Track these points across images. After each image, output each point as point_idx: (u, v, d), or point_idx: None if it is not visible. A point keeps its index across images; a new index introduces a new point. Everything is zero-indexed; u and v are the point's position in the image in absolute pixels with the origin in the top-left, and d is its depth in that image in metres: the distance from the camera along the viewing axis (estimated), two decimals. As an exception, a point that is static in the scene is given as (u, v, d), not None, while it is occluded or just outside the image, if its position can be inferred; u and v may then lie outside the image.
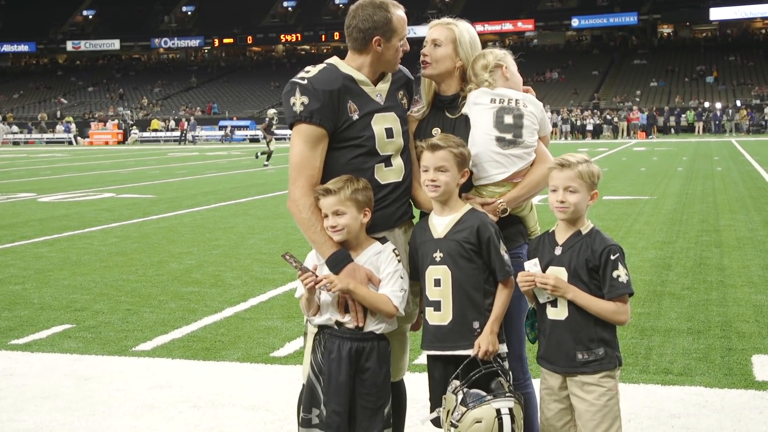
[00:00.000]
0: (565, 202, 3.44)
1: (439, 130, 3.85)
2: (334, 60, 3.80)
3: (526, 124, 3.74)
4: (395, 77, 3.87)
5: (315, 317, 3.65)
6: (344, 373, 3.54)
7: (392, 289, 3.54)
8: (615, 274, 3.38)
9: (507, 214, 3.70)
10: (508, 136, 3.71)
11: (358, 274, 3.54)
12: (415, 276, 3.73)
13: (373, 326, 3.57)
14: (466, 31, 3.89)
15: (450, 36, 3.86)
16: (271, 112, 33.45)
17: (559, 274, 3.44)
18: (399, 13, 3.76)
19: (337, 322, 3.59)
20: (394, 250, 3.61)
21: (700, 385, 5.29)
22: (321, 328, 3.65)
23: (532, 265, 3.51)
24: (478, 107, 3.76)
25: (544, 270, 3.49)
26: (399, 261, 3.60)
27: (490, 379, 3.52)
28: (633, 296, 3.49)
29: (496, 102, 3.75)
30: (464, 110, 3.81)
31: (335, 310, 3.58)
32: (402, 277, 3.59)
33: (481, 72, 3.80)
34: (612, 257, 3.38)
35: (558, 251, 3.48)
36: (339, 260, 3.56)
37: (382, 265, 3.58)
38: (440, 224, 3.65)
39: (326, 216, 3.57)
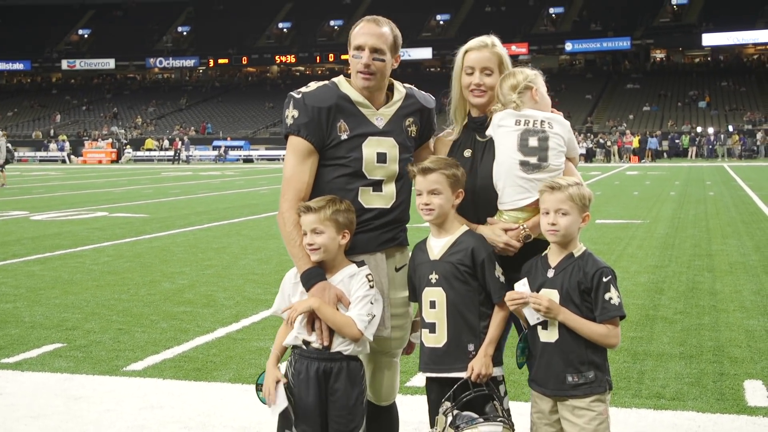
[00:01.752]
0: (556, 224, 3.43)
1: (471, 152, 3.83)
2: (338, 78, 3.81)
3: (552, 146, 3.66)
4: (405, 103, 3.83)
5: (287, 338, 3.65)
6: (312, 394, 3.53)
7: (358, 313, 3.52)
8: (607, 296, 3.38)
9: (531, 239, 3.63)
10: (533, 160, 3.63)
11: (327, 293, 3.53)
12: (414, 297, 3.73)
13: (341, 347, 3.54)
14: (503, 49, 3.86)
15: (497, 60, 3.81)
16: None
17: (551, 296, 3.44)
18: (360, 24, 3.75)
19: (305, 342, 3.58)
20: (368, 275, 3.58)
21: (692, 410, 5.28)
22: (292, 348, 3.64)
23: (521, 285, 3.51)
24: (503, 129, 3.69)
25: (536, 292, 3.48)
26: (372, 286, 3.57)
27: (485, 402, 3.51)
28: (625, 320, 3.49)
29: (521, 124, 3.67)
30: (488, 132, 3.75)
31: (303, 329, 3.58)
32: (372, 303, 3.55)
33: (509, 92, 3.71)
34: (604, 279, 3.38)
35: (550, 274, 3.48)
36: (312, 277, 3.57)
37: (353, 288, 3.56)
38: (437, 246, 3.65)
39: (305, 233, 3.58)
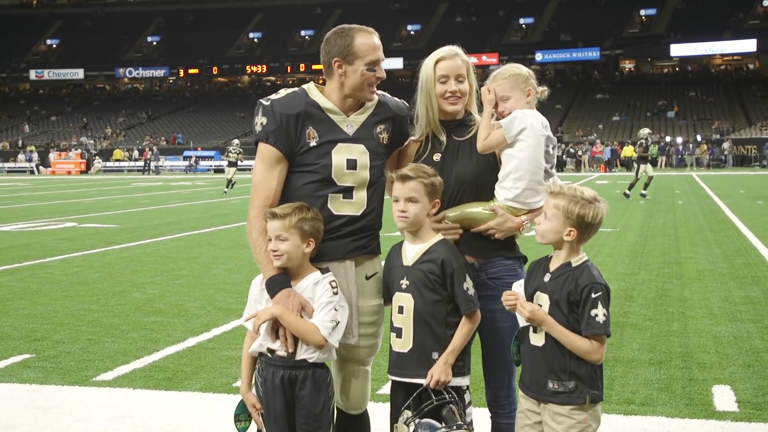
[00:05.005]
0: (538, 226, 3.54)
1: (440, 156, 3.85)
2: (308, 85, 3.82)
3: (554, 153, 3.81)
4: (377, 110, 3.83)
5: (253, 345, 3.65)
6: (279, 402, 3.53)
7: (322, 320, 3.51)
8: (593, 312, 3.35)
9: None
10: (548, 167, 3.75)
11: (291, 300, 3.53)
12: (387, 299, 3.75)
13: (306, 354, 3.54)
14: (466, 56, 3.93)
15: (467, 68, 3.87)
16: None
17: (542, 301, 3.45)
18: (364, 38, 3.72)
19: (270, 350, 3.58)
20: (331, 282, 3.58)
21: (661, 415, 5.33)
22: (259, 356, 3.64)
23: (517, 286, 3.55)
24: (533, 132, 3.72)
25: (531, 295, 3.50)
26: (336, 293, 3.56)
27: (441, 407, 3.53)
28: (610, 337, 3.47)
29: (546, 129, 3.76)
30: (514, 127, 3.72)
31: (267, 336, 3.57)
32: (336, 309, 3.54)
33: (526, 86, 3.83)
34: (593, 295, 3.37)
35: (546, 278, 3.49)
36: (276, 283, 3.57)
37: (316, 294, 3.56)
38: (411, 252, 3.67)
39: (270, 239, 3.58)
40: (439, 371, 3.54)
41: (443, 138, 3.89)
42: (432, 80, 3.86)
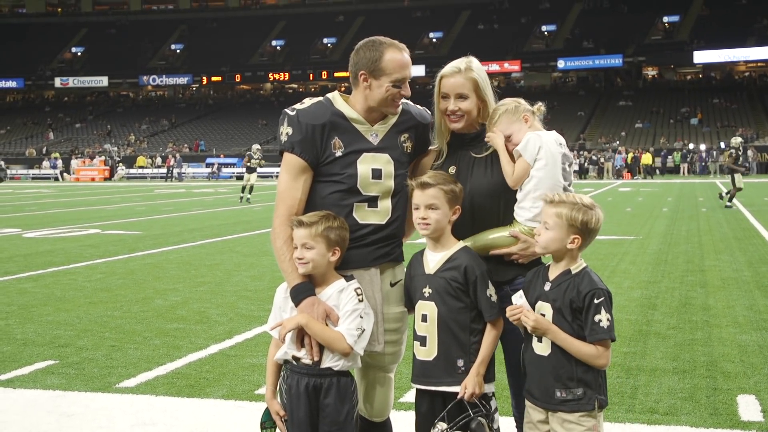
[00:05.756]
0: (540, 236, 3.51)
1: (456, 168, 3.84)
2: (332, 95, 3.82)
3: (570, 171, 3.80)
4: (400, 119, 3.83)
5: (278, 352, 3.66)
6: (303, 410, 3.53)
7: (348, 328, 3.51)
8: (597, 318, 3.36)
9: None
10: (566, 184, 3.73)
11: (316, 308, 3.53)
12: (410, 307, 3.75)
13: (331, 362, 3.54)
14: (481, 70, 3.85)
15: (472, 85, 3.80)
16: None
17: (545, 309, 3.45)
18: (394, 54, 3.70)
19: (295, 357, 3.58)
20: (356, 289, 3.58)
21: (685, 425, 5.28)
22: (284, 363, 3.65)
23: (517, 298, 3.53)
24: (545, 150, 3.71)
25: (533, 304, 3.49)
26: (361, 300, 3.56)
27: (471, 419, 3.52)
28: (619, 335, 3.47)
29: (562, 147, 3.75)
30: (531, 148, 3.70)
31: (292, 345, 3.58)
32: (362, 317, 3.55)
33: (519, 115, 3.81)
34: (596, 301, 3.37)
35: (547, 287, 3.48)
36: (301, 291, 3.58)
37: (342, 302, 3.56)
38: (433, 260, 3.67)
39: (296, 247, 3.58)
40: (473, 383, 3.53)
41: (459, 151, 3.88)
42: (437, 95, 3.86)
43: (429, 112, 4.02)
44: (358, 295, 3.58)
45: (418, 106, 3.98)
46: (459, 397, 3.53)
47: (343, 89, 3.87)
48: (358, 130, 3.74)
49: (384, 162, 3.74)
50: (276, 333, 3.63)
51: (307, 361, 3.55)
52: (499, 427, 3.64)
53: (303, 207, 3.72)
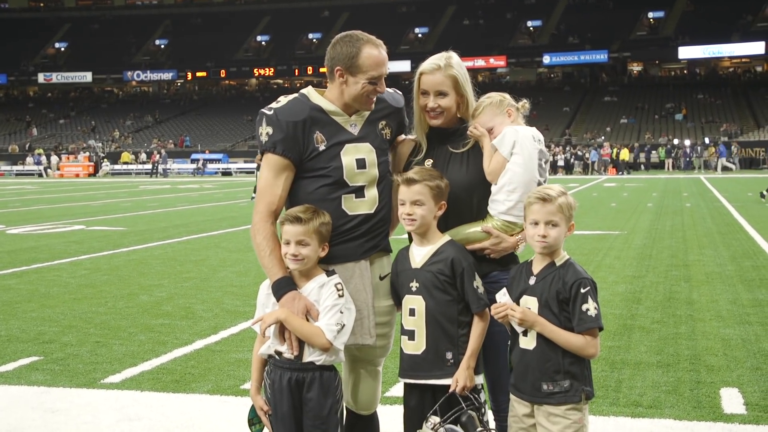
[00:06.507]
0: (547, 236, 3.43)
1: (432, 161, 3.84)
2: (307, 90, 3.82)
3: (546, 168, 3.80)
4: (377, 107, 3.84)
5: (262, 347, 3.66)
6: (286, 404, 3.54)
7: (327, 323, 3.51)
8: (584, 307, 3.37)
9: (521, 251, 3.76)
10: (542, 180, 3.74)
11: (296, 303, 3.54)
12: (398, 304, 3.75)
13: (313, 357, 3.54)
14: (460, 66, 3.84)
15: (452, 82, 3.80)
16: None
17: (531, 303, 3.46)
18: (371, 51, 3.70)
19: (277, 352, 3.59)
20: (337, 284, 3.58)
21: (669, 417, 5.32)
22: (268, 357, 3.65)
23: (501, 295, 3.54)
24: (529, 144, 3.72)
25: (517, 299, 3.50)
26: (341, 295, 3.56)
27: (462, 413, 3.54)
28: (603, 329, 3.49)
29: (539, 143, 3.76)
30: (506, 143, 3.71)
31: (275, 339, 3.58)
32: (342, 312, 3.54)
33: (504, 109, 3.82)
34: (582, 290, 3.38)
35: (532, 281, 3.50)
36: (282, 286, 3.59)
37: (322, 297, 3.56)
38: (419, 254, 3.68)
39: (288, 243, 3.57)
40: (464, 377, 3.55)
41: (437, 146, 3.90)
42: (416, 91, 3.87)
43: (400, 93, 4.03)
44: (338, 290, 3.58)
45: (390, 90, 3.97)
46: (451, 390, 3.54)
47: (321, 84, 3.88)
48: (338, 122, 3.75)
49: (366, 151, 3.75)
50: (258, 328, 3.64)
51: (288, 355, 3.55)
52: (488, 420, 3.66)
53: (283, 204, 3.74)
